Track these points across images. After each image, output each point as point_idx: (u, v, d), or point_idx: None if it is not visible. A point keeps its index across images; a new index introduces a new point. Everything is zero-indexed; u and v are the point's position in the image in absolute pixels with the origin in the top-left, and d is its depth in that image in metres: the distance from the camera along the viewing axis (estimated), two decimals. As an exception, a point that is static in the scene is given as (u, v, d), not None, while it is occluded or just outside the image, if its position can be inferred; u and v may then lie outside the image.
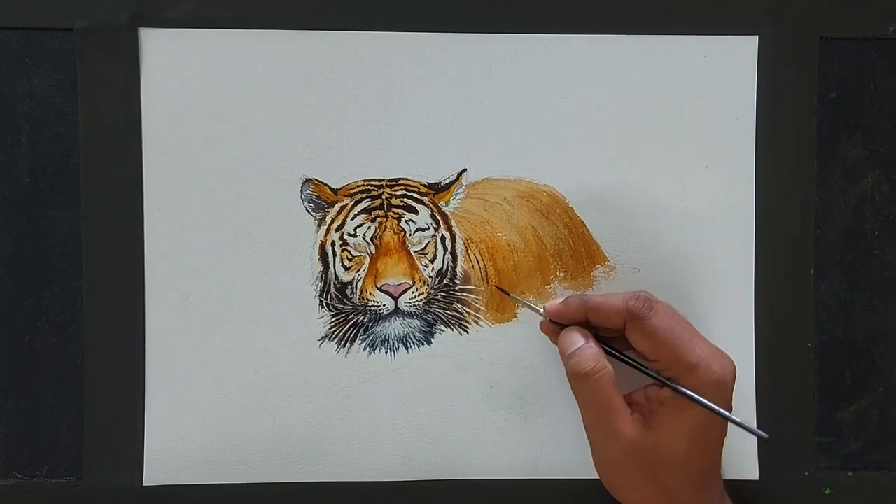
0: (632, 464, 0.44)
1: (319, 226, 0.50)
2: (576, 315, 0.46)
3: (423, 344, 0.51)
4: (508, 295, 0.50)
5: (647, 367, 0.45)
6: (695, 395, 0.43)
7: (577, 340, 0.45)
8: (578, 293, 0.50)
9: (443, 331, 0.51)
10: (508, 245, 0.51)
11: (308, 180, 0.50)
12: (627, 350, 0.46)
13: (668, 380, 0.44)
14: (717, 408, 0.43)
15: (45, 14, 0.49)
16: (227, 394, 0.50)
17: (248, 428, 0.50)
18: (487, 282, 0.51)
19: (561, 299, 0.47)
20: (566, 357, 0.45)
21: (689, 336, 0.44)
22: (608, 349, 0.46)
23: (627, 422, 0.44)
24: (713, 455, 0.45)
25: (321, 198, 0.50)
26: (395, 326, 0.50)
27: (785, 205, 0.51)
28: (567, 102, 0.50)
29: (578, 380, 0.44)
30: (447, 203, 0.51)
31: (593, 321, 0.46)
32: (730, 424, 0.44)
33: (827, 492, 0.51)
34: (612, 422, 0.44)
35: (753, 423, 0.50)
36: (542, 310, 0.48)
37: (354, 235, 0.50)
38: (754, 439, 0.50)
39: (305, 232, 0.50)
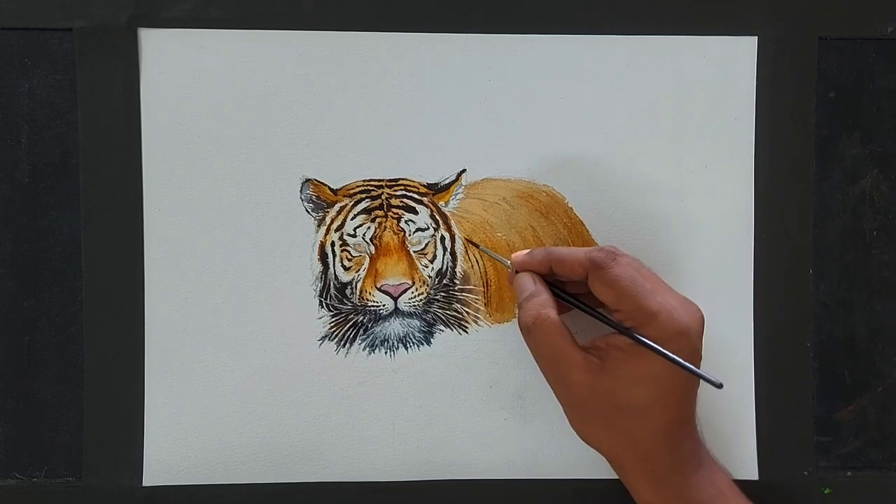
0: (590, 409, 0.44)
1: (319, 226, 0.50)
2: (540, 266, 0.46)
3: (422, 344, 0.51)
4: (478, 247, 0.50)
5: (605, 315, 0.45)
6: (644, 339, 0.43)
7: (525, 288, 0.46)
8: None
9: (442, 331, 0.51)
10: (508, 245, 0.51)
11: (308, 180, 0.50)
12: (596, 308, 0.46)
13: (629, 329, 0.44)
14: (666, 351, 0.42)
15: (44, 14, 0.49)
16: (227, 394, 0.50)
17: (248, 428, 0.50)
18: (487, 282, 0.51)
19: (527, 251, 0.47)
20: (517, 308, 0.46)
21: (652, 285, 0.44)
22: (564, 297, 0.46)
23: (579, 368, 0.44)
24: (680, 407, 0.45)
25: (321, 198, 0.50)
26: (394, 326, 0.50)
27: (784, 204, 0.51)
28: (567, 102, 0.50)
29: (525, 332, 0.45)
30: (446, 203, 0.51)
31: (557, 272, 0.46)
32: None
33: (826, 491, 0.51)
34: (562, 369, 0.44)
35: (752, 423, 0.51)
36: (508, 262, 0.48)
37: (354, 236, 0.50)
38: (753, 439, 0.51)
39: (305, 232, 0.50)
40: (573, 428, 0.46)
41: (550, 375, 0.45)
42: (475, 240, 0.51)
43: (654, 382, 0.43)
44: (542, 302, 0.45)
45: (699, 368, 0.43)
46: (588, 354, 0.44)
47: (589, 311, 0.46)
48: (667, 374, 0.43)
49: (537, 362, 0.46)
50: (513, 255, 0.47)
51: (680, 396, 0.44)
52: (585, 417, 0.45)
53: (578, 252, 0.45)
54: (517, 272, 0.47)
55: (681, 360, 0.42)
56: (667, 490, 0.45)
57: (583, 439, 0.46)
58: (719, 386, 0.41)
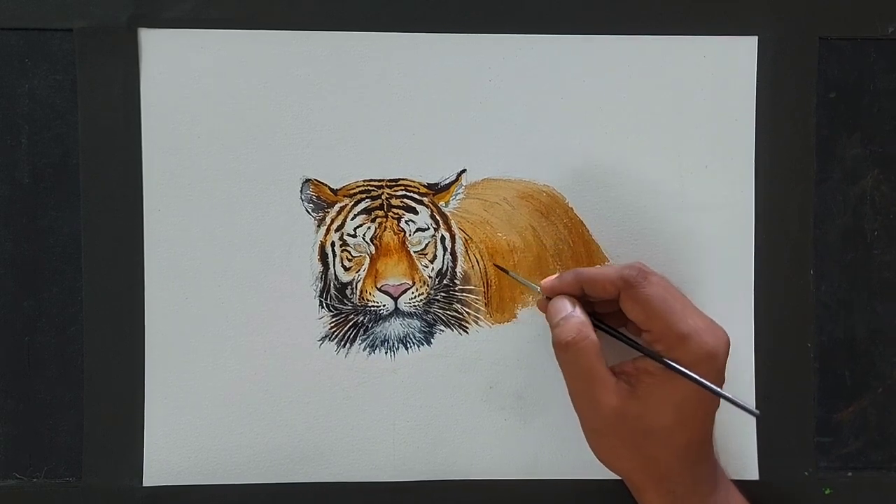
0: (616, 432, 0.44)
1: (319, 226, 0.50)
2: (571, 289, 0.46)
3: (422, 344, 0.51)
4: (507, 273, 0.50)
5: (635, 341, 0.45)
6: (678, 367, 0.43)
7: (562, 309, 0.45)
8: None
9: (443, 331, 0.51)
10: (508, 245, 0.51)
11: (308, 180, 0.50)
12: (622, 325, 0.46)
13: (658, 352, 0.44)
14: (703, 380, 0.42)
15: (44, 14, 0.49)
16: (227, 394, 0.50)
17: (248, 428, 0.50)
18: (487, 282, 0.51)
19: (556, 275, 0.47)
20: (552, 327, 0.45)
21: (682, 307, 0.44)
22: (596, 322, 0.46)
23: (611, 391, 0.44)
24: (702, 427, 0.45)
25: (321, 198, 0.50)
26: (394, 327, 0.50)
27: (784, 205, 0.51)
28: (567, 102, 0.50)
29: (561, 349, 0.44)
30: (447, 203, 0.51)
31: (589, 293, 0.46)
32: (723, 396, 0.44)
33: (826, 492, 0.51)
34: (594, 391, 0.44)
35: (752, 423, 0.51)
36: (538, 288, 0.47)
37: (354, 236, 0.50)
38: (753, 440, 0.51)
39: (305, 232, 0.50)
40: (592, 449, 0.46)
41: (581, 396, 0.45)
42: (476, 240, 0.51)
43: (681, 404, 0.43)
44: (582, 321, 0.44)
45: (723, 391, 0.43)
46: (618, 379, 0.44)
47: (619, 337, 0.46)
48: (693, 396, 0.43)
49: (568, 382, 0.46)
50: (542, 282, 0.47)
51: (702, 417, 0.45)
52: (609, 441, 0.45)
53: (609, 271, 0.45)
54: (548, 298, 0.47)
55: (722, 391, 0.43)
56: None
57: (601, 461, 0.46)
58: (757, 415, 0.42)
